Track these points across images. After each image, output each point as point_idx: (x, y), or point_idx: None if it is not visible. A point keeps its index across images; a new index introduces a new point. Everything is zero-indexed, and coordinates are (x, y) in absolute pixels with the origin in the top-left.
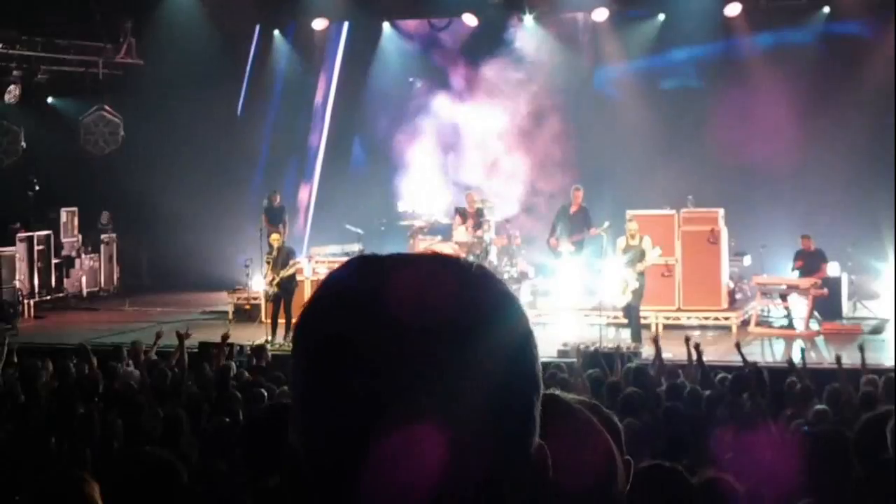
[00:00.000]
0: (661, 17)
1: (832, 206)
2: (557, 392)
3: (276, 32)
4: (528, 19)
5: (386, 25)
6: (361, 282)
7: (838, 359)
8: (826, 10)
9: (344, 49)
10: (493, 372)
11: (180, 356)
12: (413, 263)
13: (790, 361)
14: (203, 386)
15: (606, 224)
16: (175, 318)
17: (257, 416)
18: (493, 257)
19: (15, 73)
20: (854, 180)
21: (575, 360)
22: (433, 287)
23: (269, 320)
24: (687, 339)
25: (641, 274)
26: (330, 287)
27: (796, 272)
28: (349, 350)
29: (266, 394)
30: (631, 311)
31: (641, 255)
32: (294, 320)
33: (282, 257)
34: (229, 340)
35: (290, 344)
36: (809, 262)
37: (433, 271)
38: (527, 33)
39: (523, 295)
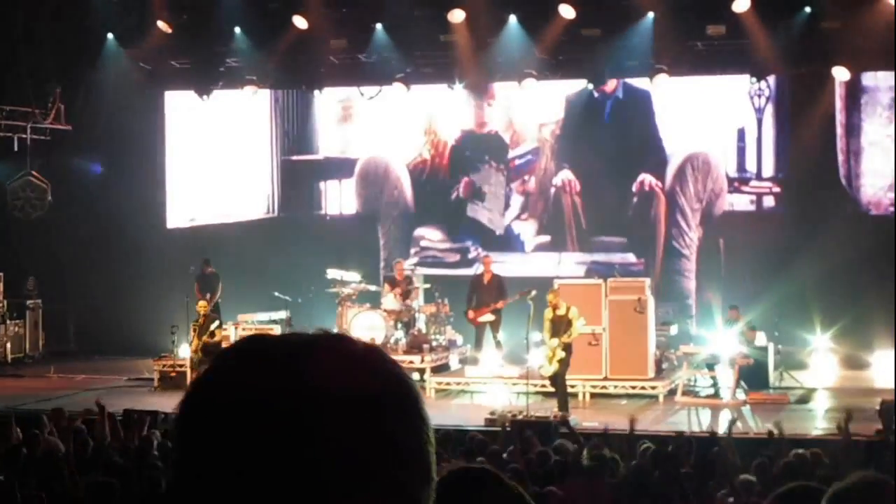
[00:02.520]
0: (590, 87)
1: (758, 278)
2: (489, 468)
3: (205, 98)
4: (459, 88)
5: (317, 93)
6: (256, 377)
7: (776, 428)
8: None
9: (274, 113)
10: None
11: (102, 424)
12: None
13: (712, 432)
14: (125, 454)
15: (533, 293)
16: (100, 385)
17: None
18: (421, 325)
19: None
20: (780, 252)
21: (501, 429)
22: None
23: None
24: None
25: (568, 344)
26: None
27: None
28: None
29: None
30: (558, 381)
31: (568, 325)
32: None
33: (206, 324)
34: (153, 409)
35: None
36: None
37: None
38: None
39: (452, 363)
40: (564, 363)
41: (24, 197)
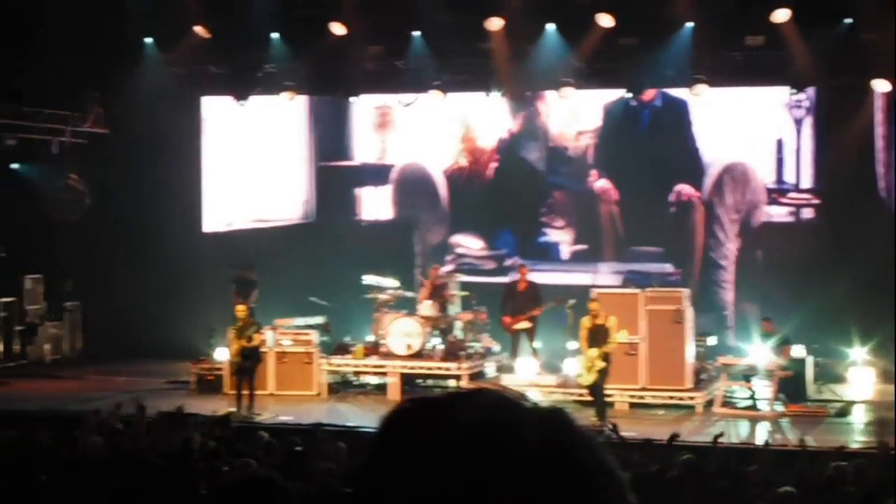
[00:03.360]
0: (628, 96)
1: (796, 290)
2: None
3: (242, 103)
4: (496, 96)
5: (353, 100)
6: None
7: (801, 441)
8: None
9: (311, 119)
10: None
11: (141, 425)
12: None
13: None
14: (165, 456)
15: (572, 301)
16: (138, 387)
17: (232, 487)
18: (458, 332)
19: None
20: (818, 264)
21: None
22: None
23: (233, 391)
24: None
25: (607, 354)
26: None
27: (762, 340)
28: None
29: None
30: (596, 390)
31: (606, 335)
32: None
33: (245, 328)
34: (191, 411)
35: (253, 415)
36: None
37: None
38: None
39: (488, 371)
40: (604, 373)
41: (62, 200)
